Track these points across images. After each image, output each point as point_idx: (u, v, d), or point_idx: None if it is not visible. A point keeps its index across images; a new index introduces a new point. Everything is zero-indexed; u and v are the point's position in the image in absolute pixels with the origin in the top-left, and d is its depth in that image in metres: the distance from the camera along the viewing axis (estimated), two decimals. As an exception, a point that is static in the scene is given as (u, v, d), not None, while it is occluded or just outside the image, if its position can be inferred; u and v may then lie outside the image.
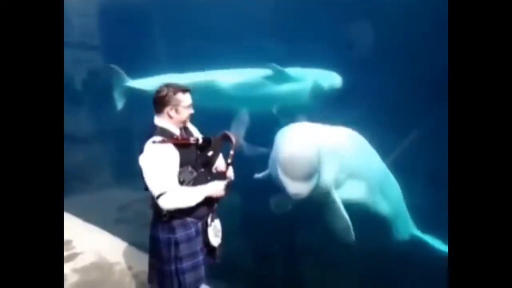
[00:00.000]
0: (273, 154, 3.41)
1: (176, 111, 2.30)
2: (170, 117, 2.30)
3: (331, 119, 3.53)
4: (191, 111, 2.37)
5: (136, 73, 5.39)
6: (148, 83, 5.12)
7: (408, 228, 3.96)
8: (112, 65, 5.27)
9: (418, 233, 3.97)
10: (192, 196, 2.27)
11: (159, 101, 2.29)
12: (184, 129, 2.43)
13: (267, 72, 5.02)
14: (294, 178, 3.16)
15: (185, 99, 2.32)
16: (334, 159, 3.31)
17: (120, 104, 5.38)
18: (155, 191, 2.18)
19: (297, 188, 3.20)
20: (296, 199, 3.28)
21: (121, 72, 5.33)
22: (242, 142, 3.42)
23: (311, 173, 3.19)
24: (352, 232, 3.31)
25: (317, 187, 3.27)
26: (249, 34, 4.69)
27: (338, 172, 3.33)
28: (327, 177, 3.30)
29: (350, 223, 3.32)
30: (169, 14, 5.39)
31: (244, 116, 3.81)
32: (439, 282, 1.89)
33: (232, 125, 3.76)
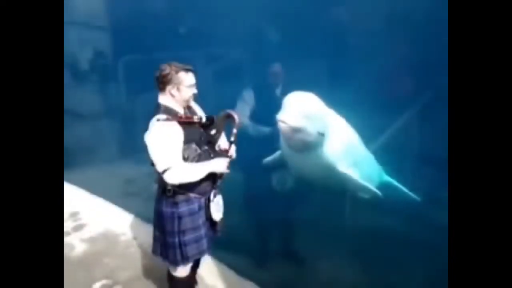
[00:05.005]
0: None
1: (178, 89, 2.33)
2: (172, 95, 2.35)
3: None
4: (194, 90, 2.41)
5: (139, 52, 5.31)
6: None
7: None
8: None
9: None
10: (196, 171, 2.34)
11: (161, 80, 2.33)
12: (188, 108, 2.48)
13: None
14: (291, 109, 2.81)
15: (187, 78, 2.35)
16: (342, 135, 3.14)
17: None
18: (160, 167, 2.24)
19: (287, 115, 2.77)
20: (282, 129, 2.84)
21: None
22: (246, 121, 3.43)
23: (310, 115, 2.83)
24: (373, 188, 3.06)
25: (321, 159, 3.10)
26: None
27: (345, 153, 3.14)
28: (332, 150, 3.02)
29: (367, 184, 3.04)
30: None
31: (249, 95, 3.78)
32: (439, 266, 1.81)
33: (237, 105, 3.73)
